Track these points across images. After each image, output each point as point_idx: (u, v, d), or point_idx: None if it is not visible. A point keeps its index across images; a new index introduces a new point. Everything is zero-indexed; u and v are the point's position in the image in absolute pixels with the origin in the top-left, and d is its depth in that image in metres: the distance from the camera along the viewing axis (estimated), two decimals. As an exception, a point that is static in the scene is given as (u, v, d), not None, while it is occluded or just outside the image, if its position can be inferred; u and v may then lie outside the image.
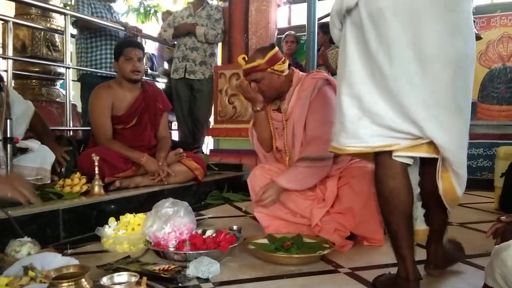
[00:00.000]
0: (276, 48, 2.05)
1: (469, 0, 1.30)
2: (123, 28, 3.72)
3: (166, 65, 5.33)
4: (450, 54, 1.23)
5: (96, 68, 3.57)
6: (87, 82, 3.43)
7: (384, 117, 1.25)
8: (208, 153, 4.17)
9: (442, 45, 1.22)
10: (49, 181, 2.34)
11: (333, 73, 4.33)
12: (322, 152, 1.94)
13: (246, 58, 2.10)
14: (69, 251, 1.76)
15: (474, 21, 1.33)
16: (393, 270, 1.58)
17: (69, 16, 3.25)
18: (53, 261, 1.31)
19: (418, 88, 1.23)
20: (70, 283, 1.06)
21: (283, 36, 4.72)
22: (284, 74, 2.06)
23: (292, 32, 4.73)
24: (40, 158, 2.33)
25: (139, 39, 3.83)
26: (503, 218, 1.34)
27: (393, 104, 1.24)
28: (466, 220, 2.48)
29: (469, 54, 1.28)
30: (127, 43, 2.93)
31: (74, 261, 1.37)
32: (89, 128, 2.87)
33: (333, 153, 1.92)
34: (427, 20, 1.22)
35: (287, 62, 2.08)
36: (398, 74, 1.22)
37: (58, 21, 4.34)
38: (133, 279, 1.12)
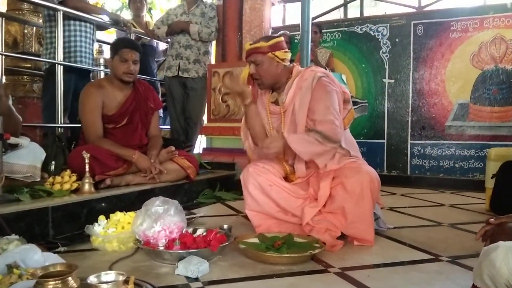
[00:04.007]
0: (282, 38, 2.13)
1: None
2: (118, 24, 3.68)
3: None
4: None
5: (66, 57, 3.37)
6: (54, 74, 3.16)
7: None
8: (201, 151, 4.16)
9: None
10: (39, 179, 2.32)
11: None
12: (333, 134, 1.98)
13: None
14: (62, 249, 1.76)
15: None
16: (383, 271, 1.59)
17: (61, 12, 3.22)
18: (34, 257, 1.29)
19: None
20: (57, 282, 1.05)
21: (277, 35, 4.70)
22: (284, 63, 2.11)
23: (287, 32, 4.70)
24: (30, 155, 2.30)
25: (132, 36, 3.81)
26: (492, 220, 1.35)
27: None
28: (457, 221, 2.49)
29: None
30: (125, 43, 2.78)
31: (59, 259, 1.35)
32: (80, 125, 2.84)
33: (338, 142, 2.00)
34: None
35: (290, 54, 2.13)
36: None
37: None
38: (121, 277, 1.11)
